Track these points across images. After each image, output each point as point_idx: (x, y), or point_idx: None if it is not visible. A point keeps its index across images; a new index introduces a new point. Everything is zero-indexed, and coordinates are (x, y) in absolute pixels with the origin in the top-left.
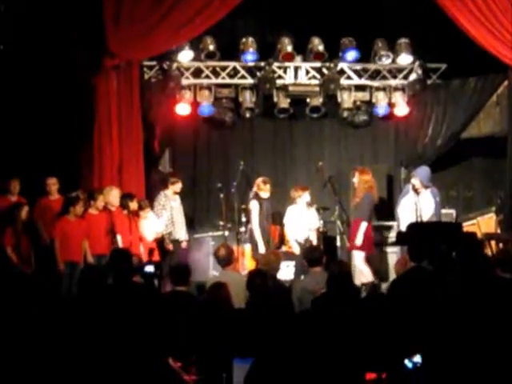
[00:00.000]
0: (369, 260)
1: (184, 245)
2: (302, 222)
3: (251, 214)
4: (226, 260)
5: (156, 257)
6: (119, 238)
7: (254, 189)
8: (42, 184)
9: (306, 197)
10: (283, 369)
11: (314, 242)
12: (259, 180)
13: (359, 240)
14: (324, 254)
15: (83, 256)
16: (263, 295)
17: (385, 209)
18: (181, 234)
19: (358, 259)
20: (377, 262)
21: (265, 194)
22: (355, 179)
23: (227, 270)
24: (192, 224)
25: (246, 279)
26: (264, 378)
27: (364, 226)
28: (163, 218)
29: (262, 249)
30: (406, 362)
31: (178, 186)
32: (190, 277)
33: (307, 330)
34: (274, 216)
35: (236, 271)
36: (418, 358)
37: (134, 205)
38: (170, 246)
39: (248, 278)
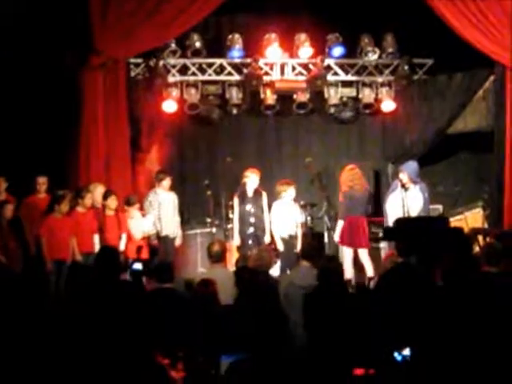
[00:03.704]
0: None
1: (177, 242)
2: (288, 217)
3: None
4: (218, 256)
5: (144, 254)
6: (96, 236)
7: (243, 180)
8: (30, 182)
9: (291, 192)
10: (271, 365)
11: (299, 237)
12: (246, 171)
13: (335, 237)
14: (319, 251)
15: (71, 254)
16: (251, 291)
17: (372, 204)
18: (170, 230)
19: (346, 254)
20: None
21: (251, 181)
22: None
23: (216, 266)
24: (180, 221)
25: (233, 276)
26: (249, 373)
27: (340, 223)
28: (150, 216)
29: (236, 241)
30: (396, 354)
31: (167, 182)
32: (174, 273)
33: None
34: None
35: (224, 267)
36: (406, 351)
37: (112, 202)
38: (155, 242)
39: (236, 275)
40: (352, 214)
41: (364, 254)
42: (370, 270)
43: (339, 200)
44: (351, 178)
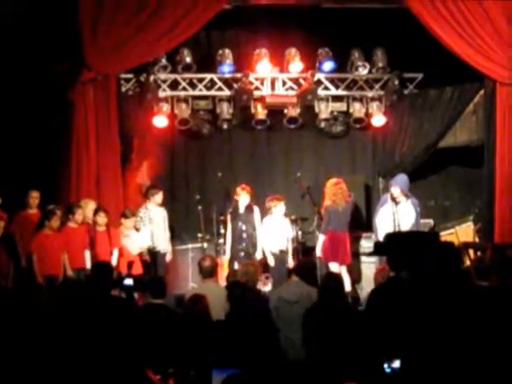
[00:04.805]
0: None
1: (168, 258)
2: (278, 232)
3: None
4: (210, 271)
5: (137, 270)
6: (87, 252)
7: (235, 197)
8: (21, 197)
9: (281, 207)
10: (263, 380)
11: (290, 253)
12: (237, 188)
13: (317, 252)
14: (313, 269)
15: (62, 269)
16: (243, 307)
17: (362, 219)
18: (162, 245)
19: (332, 269)
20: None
21: (242, 199)
22: None
23: (207, 281)
24: (171, 236)
25: (225, 291)
26: None
27: (321, 238)
28: (143, 232)
29: (227, 255)
30: (385, 366)
31: (159, 197)
32: (166, 289)
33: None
34: None
35: (216, 283)
36: (396, 364)
37: (100, 219)
38: (146, 258)
39: (228, 290)
40: (334, 229)
41: (343, 270)
42: (347, 286)
43: (322, 214)
44: (335, 192)
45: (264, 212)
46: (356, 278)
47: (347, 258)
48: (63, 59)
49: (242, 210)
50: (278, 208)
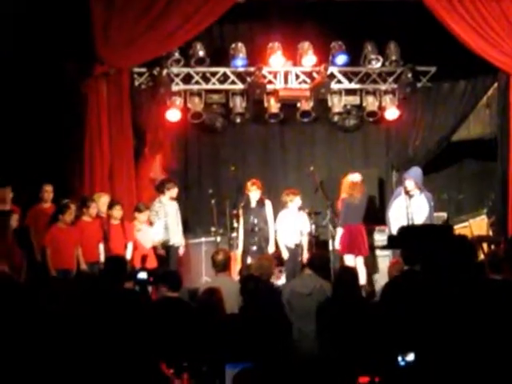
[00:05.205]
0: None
1: (181, 251)
2: (293, 226)
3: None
4: (223, 265)
5: (151, 263)
6: (101, 246)
7: (246, 192)
8: (35, 192)
9: (297, 201)
10: (277, 373)
11: (305, 247)
12: (248, 183)
13: (336, 245)
14: (326, 262)
15: (76, 263)
16: (256, 300)
17: (376, 212)
18: (176, 239)
19: (347, 262)
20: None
21: (253, 194)
22: None
23: (220, 275)
24: (184, 229)
25: (238, 284)
26: (255, 382)
27: (339, 231)
28: (157, 226)
29: (240, 249)
30: (399, 359)
31: (175, 191)
32: (182, 283)
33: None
34: None
35: (229, 276)
36: (410, 357)
37: (117, 212)
38: (162, 252)
39: (241, 284)
40: (351, 222)
41: (360, 262)
42: (362, 278)
43: (338, 207)
44: (353, 187)
45: (279, 205)
46: (370, 271)
47: (365, 249)
48: (73, 56)
49: (253, 204)
50: (295, 202)
